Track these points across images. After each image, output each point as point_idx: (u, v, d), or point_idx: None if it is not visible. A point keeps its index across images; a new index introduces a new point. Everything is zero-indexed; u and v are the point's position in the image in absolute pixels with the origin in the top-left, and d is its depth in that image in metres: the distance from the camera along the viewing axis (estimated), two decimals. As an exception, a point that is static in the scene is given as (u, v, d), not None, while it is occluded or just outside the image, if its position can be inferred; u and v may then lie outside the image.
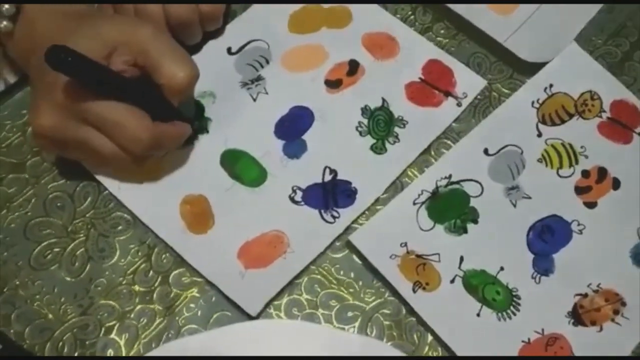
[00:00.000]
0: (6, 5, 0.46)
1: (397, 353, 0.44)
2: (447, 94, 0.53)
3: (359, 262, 0.48)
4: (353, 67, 0.54)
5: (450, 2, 0.55)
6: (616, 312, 0.47)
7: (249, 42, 0.54)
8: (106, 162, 0.46)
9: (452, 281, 0.47)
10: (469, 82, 0.54)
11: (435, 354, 0.46)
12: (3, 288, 0.47)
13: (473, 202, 0.50)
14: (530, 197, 0.50)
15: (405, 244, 0.48)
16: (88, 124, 0.44)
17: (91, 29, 0.44)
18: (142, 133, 0.44)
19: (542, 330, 0.46)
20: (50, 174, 0.50)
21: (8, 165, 0.50)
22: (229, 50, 0.54)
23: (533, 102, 0.53)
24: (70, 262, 0.48)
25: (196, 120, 0.51)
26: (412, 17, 0.56)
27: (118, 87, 0.44)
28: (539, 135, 0.52)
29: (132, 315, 0.46)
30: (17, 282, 0.47)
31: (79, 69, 0.41)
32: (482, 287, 0.47)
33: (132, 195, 0.49)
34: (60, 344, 0.45)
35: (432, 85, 0.53)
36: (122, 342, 0.46)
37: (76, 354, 0.45)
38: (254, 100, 0.52)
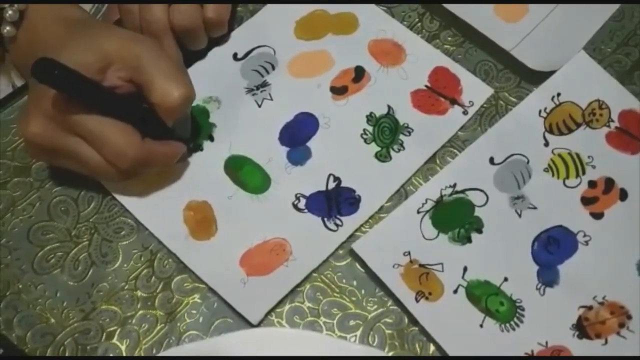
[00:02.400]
0: (10, 12, 0.46)
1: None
2: (454, 102, 0.53)
3: (362, 270, 0.48)
4: (359, 74, 0.54)
5: (453, 2, 0.55)
6: (621, 325, 0.46)
7: (254, 48, 0.54)
8: (94, 173, 0.46)
9: (456, 291, 0.47)
10: (475, 90, 0.53)
11: (437, 365, 0.46)
12: (5, 292, 0.47)
13: (478, 212, 0.49)
14: (535, 207, 0.49)
15: (409, 253, 0.48)
16: (76, 135, 0.44)
17: (89, 40, 0.44)
18: (127, 149, 0.44)
19: (546, 342, 0.46)
20: (54, 178, 0.50)
21: (13, 169, 0.50)
22: (234, 56, 0.54)
23: (540, 111, 0.53)
24: (73, 267, 0.48)
25: (193, 139, 0.51)
26: (419, 24, 0.56)
27: (106, 103, 0.44)
28: (546, 144, 0.52)
29: (133, 321, 0.46)
30: (20, 286, 0.47)
31: (65, 82, 0.41)
32: (486, 297, 0.47)
33: (135, 200, 0.49)
34: (62, 348, 0.45)
35: (438, 93, 0.53)
36: (123, 348, 0.46)
37: (77, 359, 0.45)
38: (259, 106, 0.52)
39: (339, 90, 0.53)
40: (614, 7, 0.57)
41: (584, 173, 0.51)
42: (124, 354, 0.45)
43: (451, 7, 0.55)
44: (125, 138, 0.44)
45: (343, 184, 0.50)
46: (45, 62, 0.41)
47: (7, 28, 0.47)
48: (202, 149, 0.51)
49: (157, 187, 0.49)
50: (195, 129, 0.51)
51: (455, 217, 0.49)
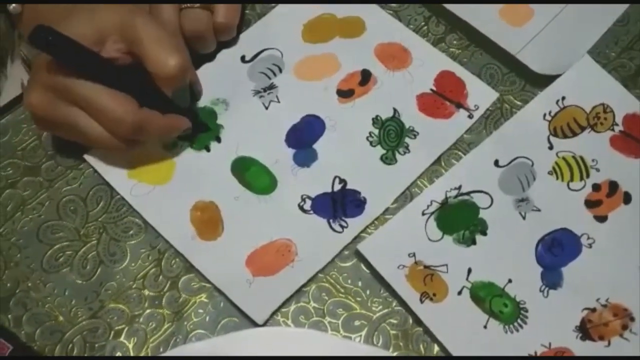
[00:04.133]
0: None
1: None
2: (459, 105, 0.53)
3: (367, 271, 0.48)
4: (365, 77, 0.54)
5: (459, 2, 0.55)
6: (625, 327, 0.47)
7: (262, 51, 0.55)
8: (95, 143, 0.47)
9: (460, 292, 0.47)
10: (480, 94, 0.54)
11: (441, 365, 0.46)
12: (15, 290, 0.47)
13: (482, 214, 0.50)
14: (540, 210, 0.50)
15: (414, 254, 0.48)
16: (75, 105, 0.45)
17: (87, 13, 0.45)
18: (125, 115, 0.45)
19: (549, 344, 0.46)
20: (64, 177, 0.51)
21: (23, 168, 0.51)
22: (242, 59, 0.55)
23: (545, 115, 0.53)
24: (81, 266, 0.48)
25: (197, 117, 0.51)
26: (425, 28, 0.56)
27: (103, 72, 0.45)
28: (550, 147, 0.52)
29: (141, 319, 0.47)
30: (29, 284, 0.47)
31: (61, 49, 0.43)
32: (490, 299, 0.47)
33: (143, 200, 0.49)
34: (70, 346, 0.46)
35: (443, 97, 0.54)
36: (130, 346, 0.46)
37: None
38: (266, 108, 0.53)
39: (345, 93, 0.54)
40: (619, 12, 0.57)
41: (588, 176, 0.51)
42: (132, 352, 0.46)
43: (457, 11, 0.55)
44: (122, 105, 0.45)
45: (349, 186, 0.50)
46: (41, 29, 0.42)
47: (13, 5, 0.49)
48: (209, 150, 0.51)
49: (165, 187, 0.50)
50: (196, 110, 0.52)
51: (460, 219, 0.49)
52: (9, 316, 0.47)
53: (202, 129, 0.52)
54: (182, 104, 0.49)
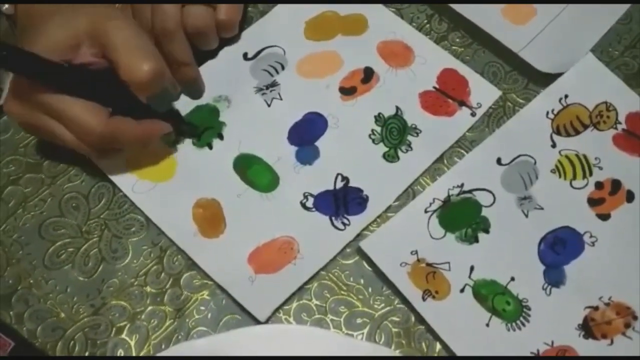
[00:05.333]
0: None
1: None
2: (462, 103, 0.53)
3: (369, 268, 0.48)
4: (368, 75, 0.54)
5: (462, 2, 0.55)
6: (627, 325, 0.47)
7: (265, 48, 0.55)
8: (74, 149, 0.47)
9: (462, 290, 0.47)
10: (483, 92, 0.54)
11: (443, 363, 0.46)
12: (17, 286, 0.47)
13: (485, 212, 0.50)
14: (542, 208, 0.50)
15: (416, 252, 0.48)
16: (47, 114, 0.45)
17: (65, 17, 0.45)
18: (94, 127, 0.45)
19: (552, 342, 0.46)
20: (65, 174, 0.51)
21: (25, 165, 0.51)
22: (245, 56, 0.55)
23: (548, 113, 0.53)
24: (83, 262, 0.48)
25: (188, 120, 0.51)
26: (427, 25, 0.56)
27: (69, 82, 0.44)
28: (553, 145, 0.52)
29: (143, 316, 0.47)
30: (31, 281, 0.47)
31: (18, 65, 0.43)
32: (492, 297, 0.47)
33: (145, 197, 0.49)
34: (72, 343, 0.46)
35: (446, 95, 0.53)
36: (132, 343, 0.46)
37: (87, 354, 0.46)
38: (269, 105, 0.53)
39: (347, 91, 0.53)
40: (621, 10, 0.57)
41: (590, 174, 0.51)
42: (133, 349, 0.46)
43: (459, 9, 0.55)
44: (89, 116, 0.45)
45: (351, 184, 0.50)
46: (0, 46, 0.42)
47: (6, 6, 0.49)
48: (211, 147, 0.51)
49: (167, 184, 0.50)
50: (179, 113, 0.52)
51: (462, 216, 0.49)
52: (11, 313, 0.47)
53: (191, 131, 0.51)
54: (159, 109, 0.48)
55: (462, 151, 0.52)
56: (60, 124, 0.45)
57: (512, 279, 0.47)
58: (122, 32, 0.44)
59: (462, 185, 0.50)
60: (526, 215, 0.49)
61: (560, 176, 0.51)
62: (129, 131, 0.46)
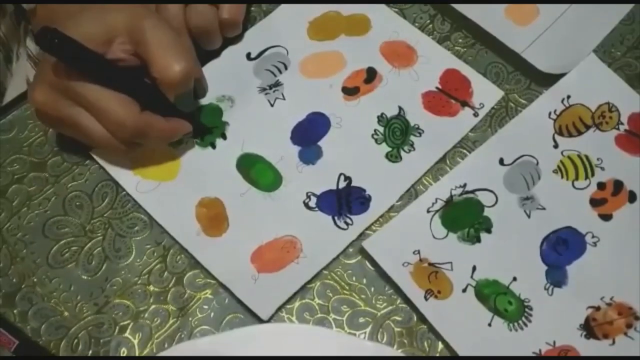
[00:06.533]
0: None
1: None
2: (464, 103, 0.53)
3: (372, 268, 0.48)
4: (371, 75, 0.54)
5: (464, 2, 0.56)
6: (629, 325, 0.47)
7: (268, 48, 0.55)
8: (96, 143, 0.47)
9: (464, 290, 0.47)
10: (486, 93, 0.54)
11: (445, 363, 0.46)
12: (21, 285, 0.47)
13: (487, 212, 0.50)
14: (544, 208, 0.50)
15: (418, 252, 0.48)
16: (78, 104, 0.45)
17: (98, 13, 0.45)
18: (126, 119, 0.45)
19: (554, 342, 0.46)
20: (69, 173, 0.51)
21: (29, 164, 0.51)
22: (248, 56, 0.55)
23: (550, 113, 0.53)
24: (87, 261, 0.48)
25: (200, 121, 0.52)
26: (430, 26, 0.57)
27: (106, 74, 0.45)
28: (555, 146, 0.52)
29: (146, 315, 0.47)
30: (35, 280, 0.48)
31: (65, 52, 0.43)
32: (494, 297, 0.47)
33: (149, 196, 0.50)
34: (75, 341, 0.46)
35: (449, 95, 0.54)
36: (135, 342, 0.46)
37: (90, 352, 0.46)
38: (272, 105, 0.53)
39: (350, 91, 0.54)
40: (624, 11, 0.57)
41: (593, 175, 0.51)
42: (136, 348, 0.46)
43: (462, 9, 0.55)
44: (123, 108, 0.45)
45: (354, 184, 0.50)
46: (47, 31, 0.42)
47: None
48: (214, 147, 0.51)
49: (171, 183, 0.50)
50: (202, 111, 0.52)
51: (464, 216, 0.49)
52: (15, 311, 0.47)
53: (203, 132, 0.52)
54: (184, 109, 0.49)
55: (465, 151, 0.52)
56: (89, 116, 0.45)
57: (514, 279, 0.48)
58: (158, 30, 0.45)
59: (465, 185, 0.50)
60: (528, 216, 0.50)
61: (562, 177, 0.51)
62: (158, 127, 0.47)
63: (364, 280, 0.48)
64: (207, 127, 0.52)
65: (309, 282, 0.48)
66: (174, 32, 0.46)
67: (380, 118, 0.53)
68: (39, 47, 0.43)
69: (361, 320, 0.47)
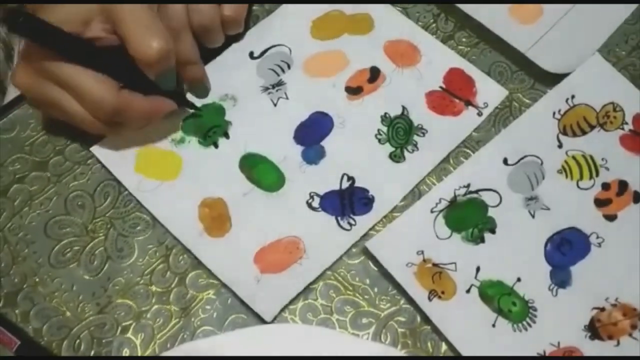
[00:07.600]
0: None
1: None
2: (468, 103, 0.53)
3: (375, 268, 0.48)
4: (374, 74, 0.54)
5: (468, 2, 0.55)
6: (634, 326, 0.46)
7: (271, 47, 0.55)
8: (79, 124, 0.47)
9: (468, 291, 0.47)
10: (490, 92, 0.54)
11: (449, 364, 0.46)
12: (22, 285, 0.47)
13: (491, 212, 0.49)
14: (549, 209, 0.50)
15: (422, 252, 0.48)
16: (58, 85, 0.45)
17: None
18: (105, 98, 0.45)
19: (558, 343, 0.46)
20: (71, 173, 0.51)
21: (31, 164, 0.51)
22: (251, 55, 0.54)
23: (554, 113, 0.53)
24: (89, 261, 0.48)
25: (183, 98, 0.51)
26: (434, 25, 0.56)
27: (82, 53, 0.45)
28: (560, 146, 0.52)
29: (148, 315, 0.47)
30: (37, 279, 0.47)
31: (34, 32, 0.43)
32: (498, 297, 0.47)
33: (151, 196, 0.49)
34: (77, 341, 0.46)
35: (452, 94, 0.53)
36: (137, 342, 0.46)
37: (92, 353, 0.46)
38: (275, 105, 0.53)
39: (354, 91, 0.53)
40: (629, 10, 0.57)
41: (597, 175, 0.51)
42: (139, 348, 0.46)
43: (466, 8, 0.55)
44: (102, 87, 0.45)
45: (357, 184, 0.50)
46: (15, 13, 0.42)
47: None
48: (217, 146, 0.51)
49: (173, 183, 0.50)
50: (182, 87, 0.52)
51: (468, 217, 0.49)
52: (17, 311, 0.47)
53: (189, 106, 0.51)
54: (166, 87, 0.48)
55: (469, 151, 0.52)
56: (70, 96, 0.46)
57: (519, 279, 0.47)
58: (133, 9, 0.45)
59: (469, 185, 0.50)
60: (532, 216, 0.49)
61: (566, 177, 0.51)
62: (137, 105, 0.47)
63: (368, 281, 0.48)
64: (196, 108, 0.51)
65: (312, 282, 0.47)
66: (151, 11, 0.46)
67: (384, 118, 0.52)
68: (6, 29, 0.43)
69: (364, 320, 0.47)
